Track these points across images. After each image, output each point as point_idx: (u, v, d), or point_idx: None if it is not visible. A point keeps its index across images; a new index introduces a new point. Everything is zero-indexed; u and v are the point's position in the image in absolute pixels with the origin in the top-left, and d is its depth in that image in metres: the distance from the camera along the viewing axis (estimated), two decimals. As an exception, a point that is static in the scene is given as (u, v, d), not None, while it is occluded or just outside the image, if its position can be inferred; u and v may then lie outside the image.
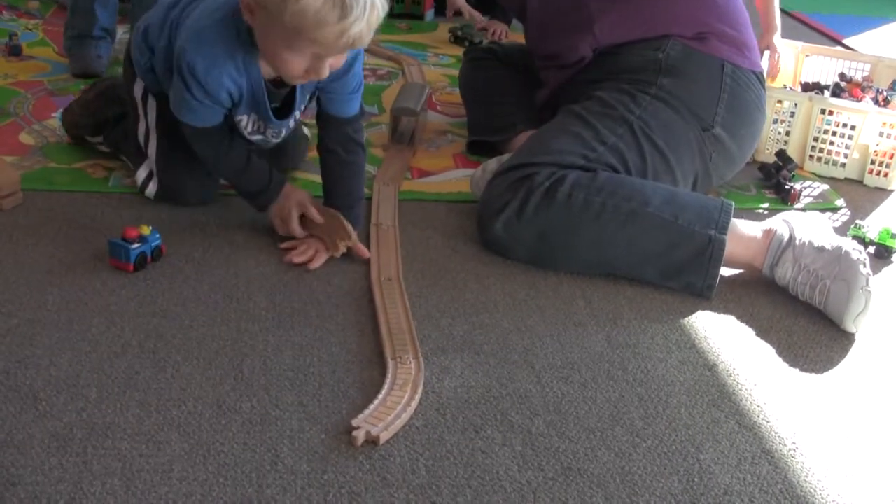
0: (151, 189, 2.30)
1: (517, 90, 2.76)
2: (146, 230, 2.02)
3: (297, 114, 2.22)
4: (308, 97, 2.18)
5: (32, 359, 1.72)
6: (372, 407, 1.65)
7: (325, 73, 1.90)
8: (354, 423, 1.61)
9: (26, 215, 2.20)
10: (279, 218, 2.16)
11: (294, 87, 2.10)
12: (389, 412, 1.64)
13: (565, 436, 1.65)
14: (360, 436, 1.58)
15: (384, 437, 1.59)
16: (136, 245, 1.99)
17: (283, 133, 2.26)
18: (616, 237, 2.10)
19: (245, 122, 2.14)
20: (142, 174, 2.31)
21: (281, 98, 2.13)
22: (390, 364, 1.76)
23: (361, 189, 2.23)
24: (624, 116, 2.27)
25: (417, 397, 1.70)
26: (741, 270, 2.20)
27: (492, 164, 2.39)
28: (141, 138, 2.29)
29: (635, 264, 2.12)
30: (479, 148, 2.74)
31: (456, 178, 2.60)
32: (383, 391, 1.69)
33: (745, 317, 2.07)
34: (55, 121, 2.70)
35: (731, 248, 2.11)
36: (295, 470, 1.52)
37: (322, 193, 2.21)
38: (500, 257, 2.16)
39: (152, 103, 2.25)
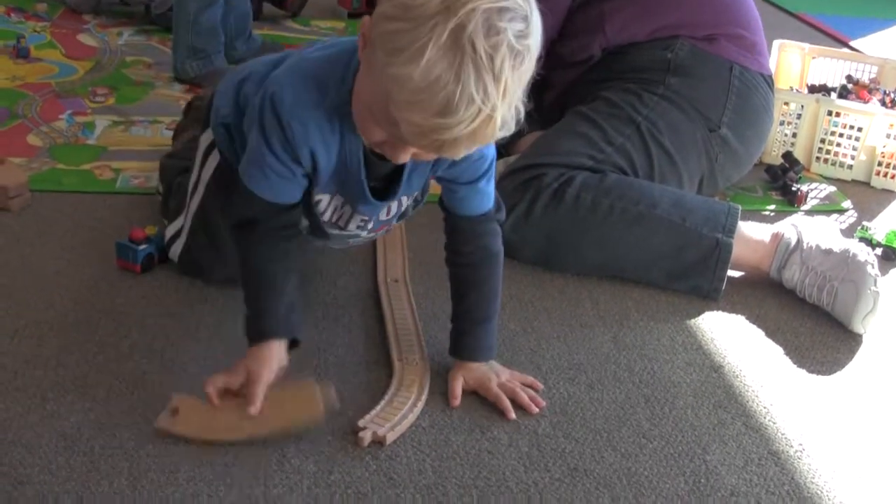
0: (176, 249, 2.00)
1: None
2: (153, 231, 2.02)
3: (404, 200, 1.75)
4: (423, 182, 1.73)
5: (40, 359, 1.72)
6: (378, 408, 1.65)
7: (403, 159, 1.47)
8: (361, 423, 1.60)
9: (34, 216, 2.20)
10: (245, 371, 1.58)
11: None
12: (396, 413, 1.64)
13: (571, 437, 1.65)
14: (366, 436, 1.58)
15: (390, 437, 1.59)
16: (143, 246, 1.99)
17: (373, 226, 1.79)
18: (624, 239, 2.10)
19: (324, 204, 1.70)
20: (172, 229, 2.02)
21: (385, 172, 1.64)
22: (396, 365, 1.76)
23: (487, 308, 1.76)
24: (631, 117, 2.27)
25: (424, 398, 1.69)
26: (748, 272, 2.20)
27: (498, 165, 2.37)
28: (189, 189, 1.97)
29: (642, 266, 2.12)
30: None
31: (463, 179, 2.59)
32: (389, 392, 1.69)
33: (751, 318, 2.07)
34: (63, 122, 2.72)
35: (738, 251, 2.11)
36: (301, 470, 1.52)
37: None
38: (506, 258, 2.14)
39: (214, 159, 1.91)
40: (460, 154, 1.39)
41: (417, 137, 1.35)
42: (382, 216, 1.76)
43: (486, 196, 1.72)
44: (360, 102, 1.45)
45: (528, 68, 1.34)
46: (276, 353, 1.59)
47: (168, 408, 1.58)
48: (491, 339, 1.76)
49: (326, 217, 1.73)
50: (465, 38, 1.26)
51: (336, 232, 1.78)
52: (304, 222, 1.73)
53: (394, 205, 1.74)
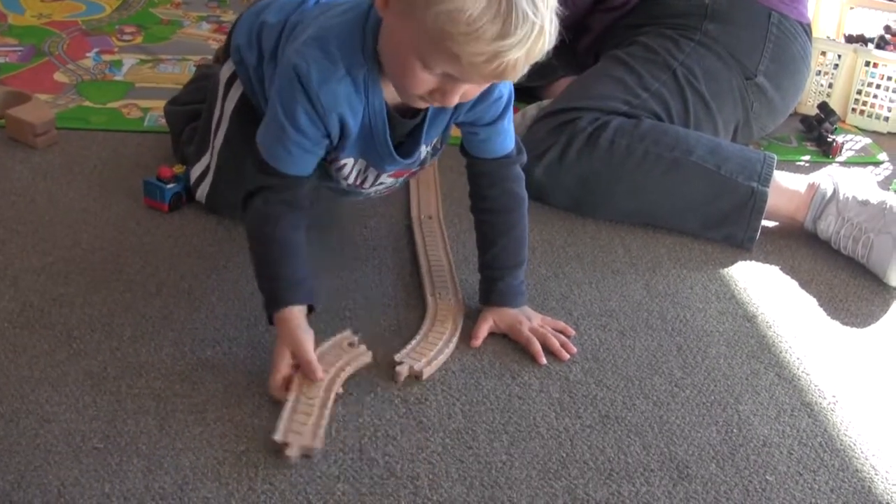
0: (204, 189, 1.99)
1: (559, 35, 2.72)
2: (181, 170, 2.00)
3: (423, 149, 1.70)
4: (443, 129, 1.70)
5: (67, 297, 1.72)
6: (413, 342, 1.64)
7: (454, 101, 1.46)
8: (397, 357, 1.60)
9: (61, 154, 2.19)
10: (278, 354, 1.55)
11: (424, 115, 1.62)
12: (431, 348, 1.63)
13: (603, 384, 1.64)
14: (403, 371, 1.57)
15: (427, 372, 1.59)
16: (171, 185, 1.97)
17: (393, 180, 1.78)
18: (658, 185, 2.08)
19: (348, 169, 1.69)
20: (197, 170, 2.00)
21: (406, 130, 1.65)
22: (430, 300, 1.75)
23: (518, 253, 1.75)
24: (667, 62, 2.24)
25: (458, 334, 1.69)
26: (783, 223, 2.17)
27: (531, 109, 2.35)
28: (213, 124, 1.95)
29: (676, 213, 2.09)
30: (518, 93, 2.70)
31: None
32: (424, 326, 1.68)
33: (785, 269, 2.04)
34: (90, 60, 2.70)
35: (773, 200, 2.08)
36: (330, 413, 1.50)
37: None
38: (539, 203, 2.12)
39: (237, 90, 1.89)
40: (517, 77, 1.40)
41: (481, 67, 1.35)
42: (415, 166, 1.75)
43: (507, 135, 1.70)
44: (402, 55, 1.41)
45: None
46: (302, 318, 1.56)
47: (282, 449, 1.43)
48: (522, 285, 1.75)
49: (350, 180, 1.72)
50: None
51: (361, 190, 1.77)
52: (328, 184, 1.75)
53: (416, 160, 1.71)
